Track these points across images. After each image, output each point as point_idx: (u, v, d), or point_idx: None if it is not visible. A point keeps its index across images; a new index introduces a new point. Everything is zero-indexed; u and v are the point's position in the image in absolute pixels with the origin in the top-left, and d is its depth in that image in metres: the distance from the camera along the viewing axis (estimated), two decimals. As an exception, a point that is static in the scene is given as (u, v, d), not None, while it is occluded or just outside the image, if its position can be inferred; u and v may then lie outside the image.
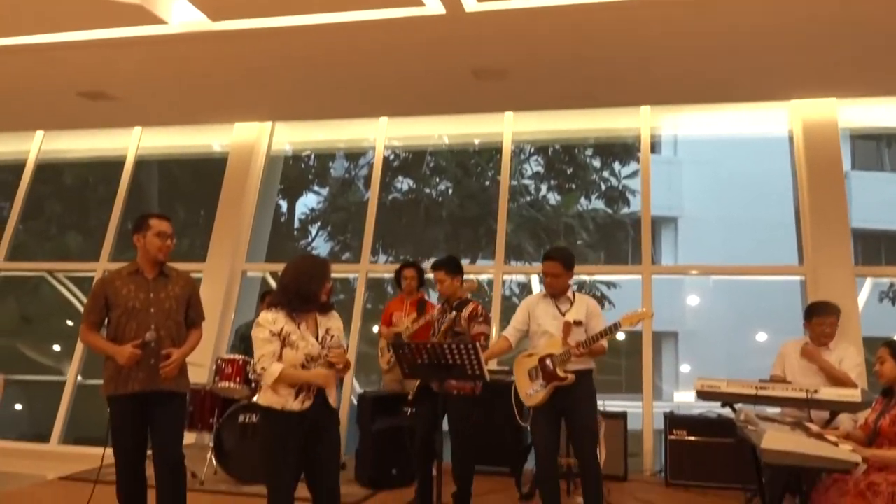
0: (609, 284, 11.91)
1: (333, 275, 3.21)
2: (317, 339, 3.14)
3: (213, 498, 4.60)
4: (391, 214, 11.77)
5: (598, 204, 12.98)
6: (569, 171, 12.84)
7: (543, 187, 12.62)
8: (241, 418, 5.05)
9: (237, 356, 5.30)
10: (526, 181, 12.64)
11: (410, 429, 4.76)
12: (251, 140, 7.73)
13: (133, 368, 3.40)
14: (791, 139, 6.73)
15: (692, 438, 5.39)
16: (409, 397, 4.35)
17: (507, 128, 7.29)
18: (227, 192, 7.57)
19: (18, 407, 8.65)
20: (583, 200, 12.84)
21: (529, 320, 4.02)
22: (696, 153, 15.04)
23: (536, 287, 10.25)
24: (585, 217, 12.85)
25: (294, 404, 3.04)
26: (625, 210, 12.91)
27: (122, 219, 7.90)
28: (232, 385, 5.16)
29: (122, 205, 7.94)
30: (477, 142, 10.67)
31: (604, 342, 3.77)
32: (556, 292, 3.94)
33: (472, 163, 11.86)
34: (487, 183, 12.19)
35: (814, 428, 3.37)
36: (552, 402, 3.82)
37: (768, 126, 7.20)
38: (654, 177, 6.62)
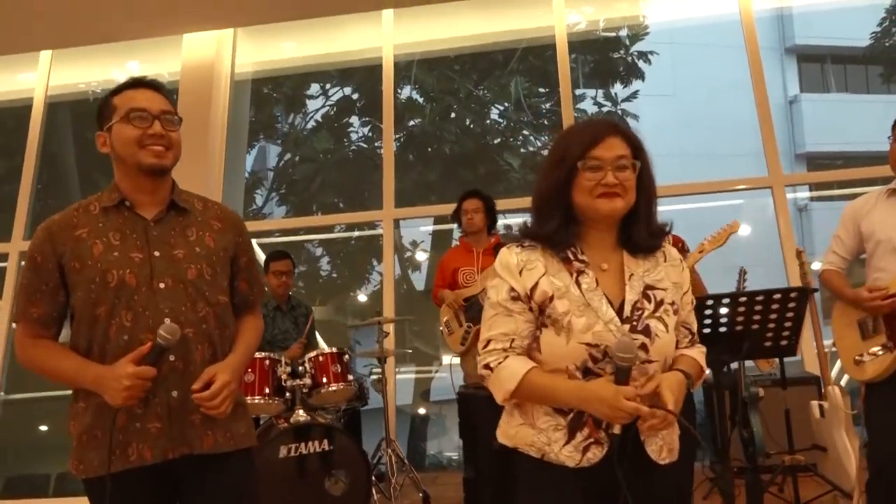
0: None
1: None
2: (619, 310, 1.35)
3: None
4: (353, 166, 9.70)
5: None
6: (545, 107, 10.99)
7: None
8: (282, 451, 3.20)
9: (258, 353, 3.45)
10: (496, 118, 10.90)
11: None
12: (208, 58, 5.60)
13: (140, 413, 1.51)
14: None
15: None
16: None
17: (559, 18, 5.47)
18: (184, 131, 5.43)
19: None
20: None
21: (862, 235, 2.32)
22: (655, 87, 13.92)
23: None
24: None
25: (565, 452, 1.33)
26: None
27: (34, 186, 5.67)
28: (257, 399, 3.32)
29: (34, 159, 5.67)
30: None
31: None
32: None
33: (455, 82, 9.70)
34: (473, 107, 10.16)
35: None
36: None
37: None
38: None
